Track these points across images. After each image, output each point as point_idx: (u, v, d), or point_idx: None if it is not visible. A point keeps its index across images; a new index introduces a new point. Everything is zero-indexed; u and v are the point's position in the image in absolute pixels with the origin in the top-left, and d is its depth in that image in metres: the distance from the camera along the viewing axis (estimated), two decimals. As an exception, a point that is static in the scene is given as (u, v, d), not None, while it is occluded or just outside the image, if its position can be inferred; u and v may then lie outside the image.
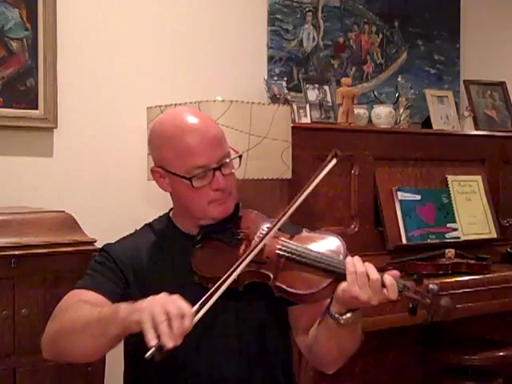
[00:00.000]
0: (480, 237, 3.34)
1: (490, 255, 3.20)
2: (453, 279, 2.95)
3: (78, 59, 2.89)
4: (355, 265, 1.57)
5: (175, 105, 2.64)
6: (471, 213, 3.35)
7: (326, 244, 1.69)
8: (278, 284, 1.62)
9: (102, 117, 2.94)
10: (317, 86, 3.34)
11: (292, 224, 1.75)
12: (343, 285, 1.57)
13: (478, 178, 3.45)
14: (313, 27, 3.51)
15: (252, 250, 1.59)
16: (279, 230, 1.67)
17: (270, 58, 3.37)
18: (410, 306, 1.59)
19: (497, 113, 3.84)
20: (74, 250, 2.33)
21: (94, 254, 2.26)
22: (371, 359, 2.92)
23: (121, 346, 1.65)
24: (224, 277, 1.52)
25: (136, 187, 3.00)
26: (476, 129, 3.71)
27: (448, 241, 3.21)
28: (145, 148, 2.79)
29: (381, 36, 3.76)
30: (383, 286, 1.56)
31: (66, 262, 2.31)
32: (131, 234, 1.81)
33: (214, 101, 2.59)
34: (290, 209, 1.67)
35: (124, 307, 1.45)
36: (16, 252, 2.23)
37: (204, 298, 1.47)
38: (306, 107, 3.22)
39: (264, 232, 1.68)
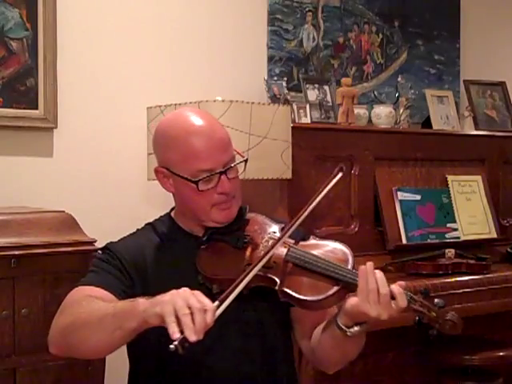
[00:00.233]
0: (480, 237, 3.34)
1: (490, 255, 3.20)
2: (453, 279, 2.95)
3: (78, 59, 2.89)
4: (367, 281, 1.56)
5: (175, 105, 2.64)
6: (471, 213, 3.35)
7: (334, 252, 1.69)
8: (284, 289, 1.62)
9: (102, 117, 2.94)
10: (317, 86, 3.34)
11: (299, 229, 1.75)
12: (353, 300, 1.57)
13: (478, 178, 3.45)
14: (313, 27, 3.51)
15: (265, 255, 1.59)
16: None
17: (270, 58, 3.37)
18: (416, 318, 1.60)
19: (497, 113, 3.84)
20: (73, 249, 2.33)
21: (94, 254, 2.26)
22: (371, 359, 2.92)
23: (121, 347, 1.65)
24: (240, 278, 1.52)
25: (136, 187, 3.00)
26: (476, 129, 3.71)
27: (448, 241, 3.21)
28: (145, 148, 2.79)
29: (381, 36, 3.76)
30: (392, 297, 1.56)
31: (66, 262, 2.31)
32: (133, 234, 1.81)
33: (214, 101, 2.59)
34: (297, 220, 1.66)
35: (143, 301, 1.45)
36: (16, 252, 2.23)
37: (223, 295, 1.47)
38: (306, 107, 3.22)
39: (271, 237, 1.69)
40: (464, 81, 3.88)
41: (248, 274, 1.53)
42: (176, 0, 3.14)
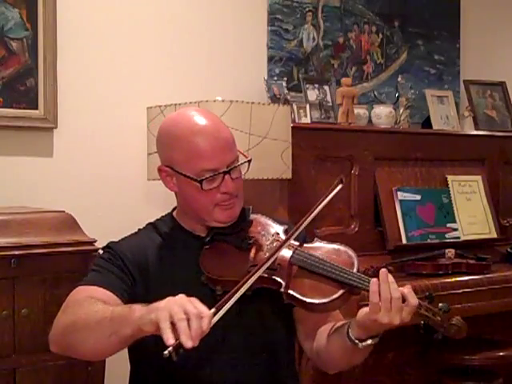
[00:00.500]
0: (480, 237, 3.34)
1: (490, 255, 3.20)
2: (453, 279, 2.95)
3: (78, 59, 2.89)
4: (381, 291, 1.56)
5: (175, 105, 2.64)
6: (471, 213, 3.35)
7: (339, 255, 1.69)
8: (289, 292, 1.62)
9: (102, 117, 2.94)
10: (317, 86, 3.34)
11: (303, 231, 1.75)
12: (364, 310, 1.58)
13: (478, 178, 3.45)
14: (313, 27, 3.50)
15: (269, 258, 1.59)
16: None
17: (270, 58, 3.37)
18: (422, 323, 1.60)
19: (497, 113, 3.84)
20: (74, 249, 2.33)
21: (94, 254, 2.27)
22: (371, 359, 2.91)
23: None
24: (241, 283, 1.50)
25: (136, 187, 3.00)
26: (476, 129, 3.71)
27: (448, 241, 3.21)
28: (145, 148, 2.79)
29: (381, 36, 3.76)
30: (403, 300, 1.57)
31: (66, 262, 2.31)
32: (135, 233, 1.81)
33: (214, 101, 2.59)
34: (297, 229, 1.66)
35: (139, 307, 1.44)
36: (16, 252, 2.23)
37: (220, 302, 1.45)
38: (306, 107, 3.22)
39: (275, 239, 1.70)
40: (464, 81, 3.88)
41: (247, 280, 1.52)
42: (176, 0, 3.14)
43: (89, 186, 2.90)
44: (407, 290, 1.59)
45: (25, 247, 2.25)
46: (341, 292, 1.60)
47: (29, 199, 2.68)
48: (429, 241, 3.16)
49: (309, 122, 3.20)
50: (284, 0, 3.39)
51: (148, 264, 1.70)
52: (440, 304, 1.61)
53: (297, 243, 1.70)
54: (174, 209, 1.84)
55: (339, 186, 1.70)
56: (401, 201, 3.14)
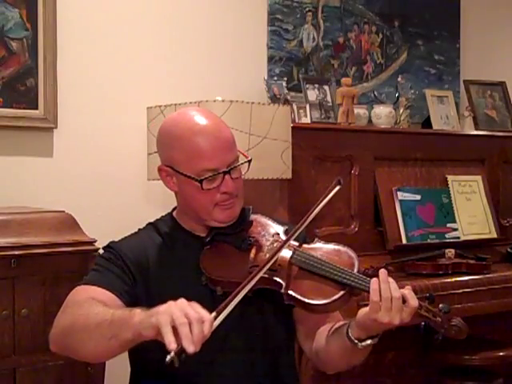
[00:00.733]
0: (480, 237, 3.34)
1: (490, 255, 3.20)
2: (453, 279, 2.95)
3: (78, 59, 2.89)
4: (381, 291, 1.56)
5: (175, 105, 2.64)
6: (471, 213, 3.35)
7: (340, 256, 1.69)
8: (289, 292, 1.62)
9: (102, 117, 2.94)
10: (317, 86, 3.34)
11: (304, 232, 1.75)
12: (364, 310, 1.58)
13: (478, 178, 3.45)
14: (313, 27, 3.50)
15: (268, 260, 1.58)
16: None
17: (270, 58, 3.37)
18: (422, 324, 1.60)
19: (497, 113, 3.84)
20: (74, 249, 2.33)
21: (94, 254, 2.27)
22: (371, 359, 2.91)
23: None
24: (241, 286, 1.50)
25: (136, 187, 3.00)
26: (476, 129, 3.71)
27: (448, 241, 3.21)
28: (145, 148, 2.79)
29: (381, 36, 3.76)
30: (403, 301, 1.57)
31: (66, 262, 2.31)
32: (135, 233, 1.81)
33: (214, 101, 2.59)
34: (296, 231, 1.66)
35: (139, 311, 1.42)
36: (16, 252, 2.23)
37: (220, 306, 1.44)
38: (306, 107, 3.22)
39: (275, 239, 1.70)
40: (464, 81, 3.88)
41: (247, 283, 1.51)
42: (176, 0, 3.14)
43: (89, 186, 2.90)
44: (407, 291, 1.59)
45: (25, 247, 2.25)
46: (341, 293, 1.60)
47: (29, 199, 2.68)
48: (429, 241, 3.16)
49: (309, 121, 3.20)
50: (284, 0, 3.40)
51: (148, 264, 1.70)
52: (440, 305, 1.61)
53: (297, 244, 1.70)
54: (174, 209, 1.84)
55: (337, 188, 1.70)
56: (401, 201, 3.14)
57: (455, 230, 3.27)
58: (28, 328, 2.24)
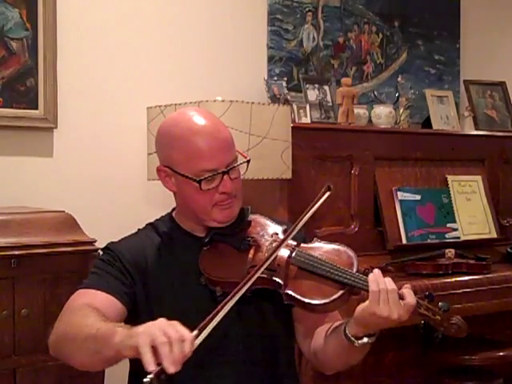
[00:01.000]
0: (480, 237, 3.34)
1: (490, 255, 3.20)
2: (453, 279, 2.94)
3: (78, 59, 2.89)
4: (378, 283, 1.58)
5: (175, 105, 2.64)
6: (471, 213, 3.35)
7: (339, 255, 1.69)
8: (288, 292, 1.62)
9: (102, 117, 2.94)
10: (317, 85, 3.34)
11: (303, 231, 1.75)
12: (363, 305, 1.58)
13: (478, 178, 3.45)
14: (313, 27, 3.51)
15: (261, 266, 1.58)
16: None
17: (270, 58, 3.37)
18: (422, 322, 1.60)
19: (497, 113, 3.84)
20: (74, 249, 2.33)
21: (94, 254, 2.27)
22: (370, 359, 2.92)
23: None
24: (226, 299, 1.48)
25: (136, 187, 3.00)
26: (476, 129, 3.71)
27: (448, 241, 3.21)
28: (145, 148, 2.79)
29: (381, 36, 3.76)
30: (401, 298, 1.58)
31: (66, 262, 2.31)
32: (134, 234, 1.81)
33: (214, 101, 2.59)
34: (296, 226, 1.65)
35: (121, 331, 1.41)
36: (16, 252, 2.23)
37: (203, 323, 1.41)
38: (306, 107, 3.22)
39: (274, 239, 1.70)
40: (464, 81, 3.88)
41: (233, 297, 1.49)
42: (176, 0, 3.14)
43: (89, 186, 2.90)
44: (406, 289, 1.59)
45: (25, 247, 2.25)
46: (341, 292, 1.60)
47: (29, 199, 2.68)
48: (429, 241, 3.16)
49: (309, 121, 3.20)
50: (284, 0, 3.40)
51: (147, 264, 1.70)
52: (440, 303, 1.61)
53: (296, 243, 1.70)
54: (173, 209, 1.84)
55: (327, 194, 1.69)
56: (401, 201, 3.14)
57: (455, 230, 3.27)
58: (28, 328, 2.25)
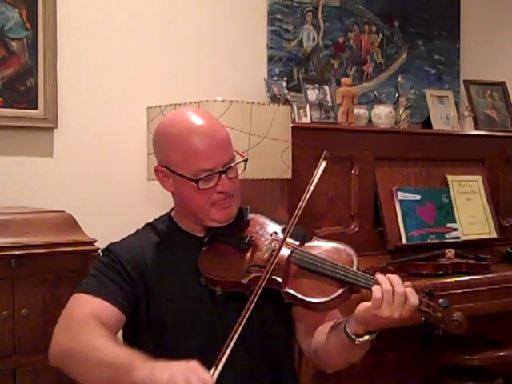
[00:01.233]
0: (480, 237, 3.34)
1: (490, 255, 3.20)
2: (453, 279, 2.94)
3: (78, 59, 2.89)
4: (383, 285, 1.57)
5: (175, 105, 2.64)
6: (471, 213, 3.35)
7: (339, 253, 1.69)
8: (289, 291, 1.62)
9: (102, 117, 2.94)
10: (317, 85, 3.34)
11: (301, 229, 1.76)
12: (364, 304, 1.58)
13: (478, 178, 3.45)
14: (313, 27, 3.51)
15: (261, 283, 1.59)
16: (289, 236, 1.68)
17: (270, 58, 3.37)
18: (422, 319, 1.60)
19: (497, 113, 3.84)
20: (73, 249, 2.33)
21: (94, 254, 2.27)
22: (371, 359, 2.92)
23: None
24: (232, 332, 1.53)
25: (136, 187, 3.00)
26: (476, 129, 3.71)
27: (448, 241, 3.21)
28: (145, 148, 2.79)
29: (381, 36, 3.76)
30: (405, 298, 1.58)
31: (66, 262, 2.31)
32: (133, 234, 1.81)
33: (214, 101, 2.59)
34: (296, 216, 1.66)
35: (140, 366, 1.43)
36: (16, 252, 2.23)
37: (218, 357, 1.47)
38: (306, 107, 3.22)
39: (273, 238, 1.70)
40: (464, 81, 3.88)
41: (238, 328, 1.53)
42: (176, 0, 3.14)
43: (89, 186, 2.90)
44: (408, 289, 1.59)
45: (25, 247, 2.25)
46: (341, 290, 1.60)
47: (29, 199, 2.68)
48: (429, 241, 3.16)
49: (309, 121, 3.20)
50: (284, 0, 3.40)
51: (146, 264, 1.70)
52: (440, 300, 1.61)
53: (296, 242, 1.70)
54: (172, 209, 1.84)
55: (324, 163, 1.70)
56: (401, 201, 3.14)
57: (455, 230, 3.26)
58: (28, 328, 2.24)
